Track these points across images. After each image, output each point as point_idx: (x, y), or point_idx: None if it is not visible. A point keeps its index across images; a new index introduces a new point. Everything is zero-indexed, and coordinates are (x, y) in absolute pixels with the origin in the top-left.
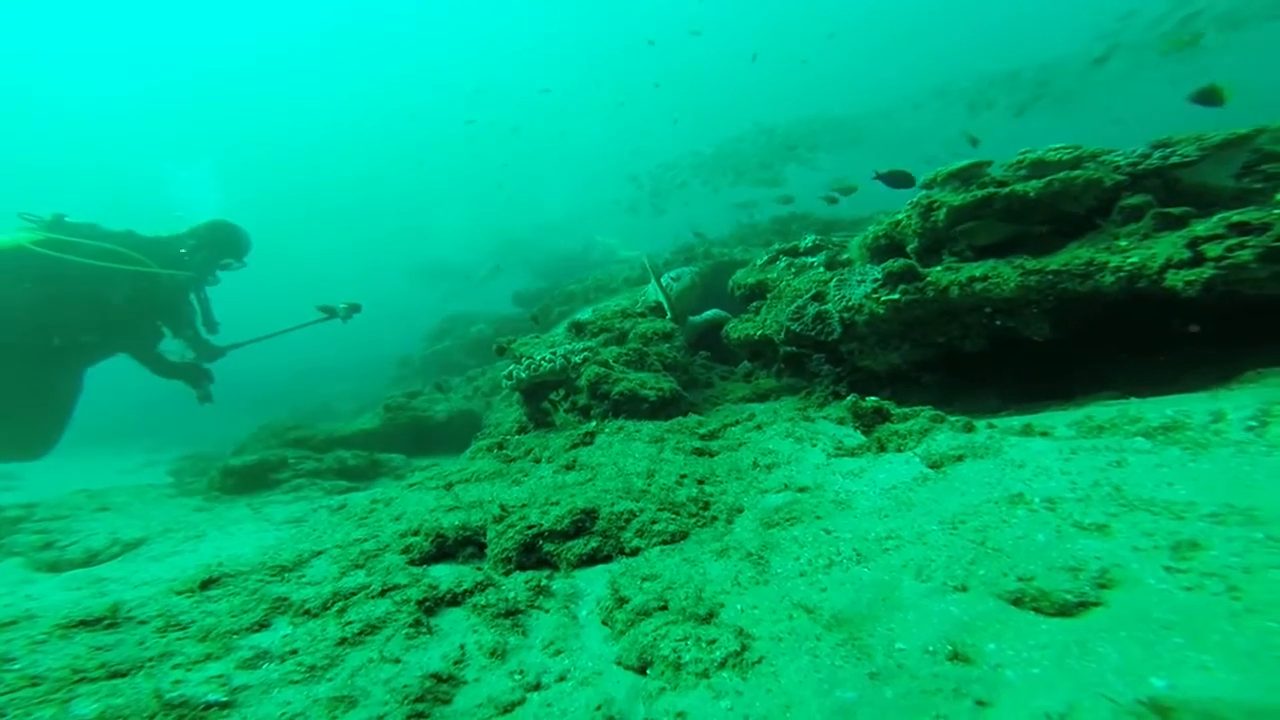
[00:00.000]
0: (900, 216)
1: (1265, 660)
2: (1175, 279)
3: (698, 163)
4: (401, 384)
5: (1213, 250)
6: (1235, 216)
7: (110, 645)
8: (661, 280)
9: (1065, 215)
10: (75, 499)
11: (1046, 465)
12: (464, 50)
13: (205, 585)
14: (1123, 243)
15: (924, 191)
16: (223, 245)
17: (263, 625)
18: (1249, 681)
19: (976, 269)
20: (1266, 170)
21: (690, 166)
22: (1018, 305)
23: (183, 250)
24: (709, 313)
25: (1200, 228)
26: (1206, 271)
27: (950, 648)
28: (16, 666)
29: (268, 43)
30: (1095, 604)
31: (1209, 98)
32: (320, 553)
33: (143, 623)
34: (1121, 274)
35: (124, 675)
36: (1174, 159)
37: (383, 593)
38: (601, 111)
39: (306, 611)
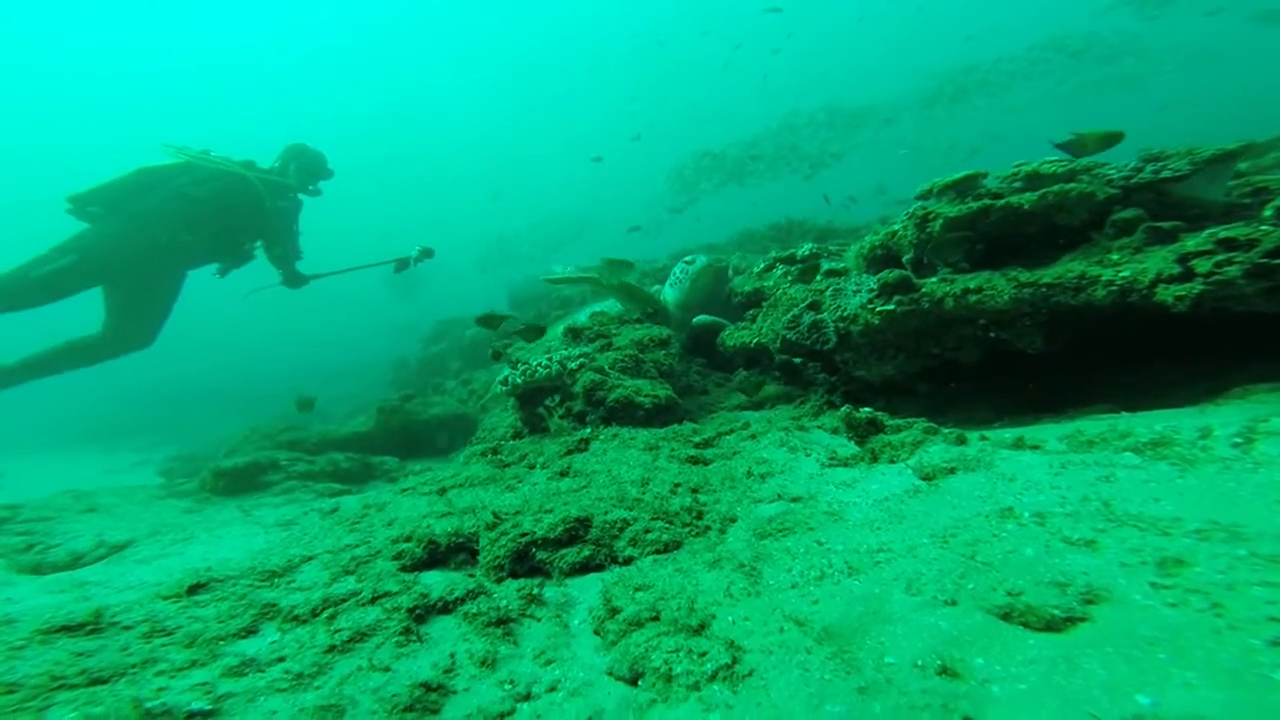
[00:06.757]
0: (896, 227)
1: (1246, 677)
2: (1166, 294)
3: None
4: (397, 386)
5: (1202, 266)
6: (1223, 232)
7: (92, 651)
8: (675, 267)
9: (1060, 228)
10: (61, 500)
11: (1037, 479)
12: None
13: (193, 590)
14: (1114, 256)
15: (920, 202)
16: (312, 163)
17: (250, 631)
18: (1231, 699)
19: (971, 281)
20: (1254, 183)
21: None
22: (1011, 317)
23: (289, 167)
24: (704, 317)
25: (1190, 243)
26: (1196, 287)
27: (939, 662)
28: None
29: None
30: (1082, 619)
31: (1077, 147)
32: (311, 558)
33: (127, 628)
34: (1113, 288)
35: (105, 682)
36: (1165, 173)
37: (373, 600)
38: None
39: (295, 618)
